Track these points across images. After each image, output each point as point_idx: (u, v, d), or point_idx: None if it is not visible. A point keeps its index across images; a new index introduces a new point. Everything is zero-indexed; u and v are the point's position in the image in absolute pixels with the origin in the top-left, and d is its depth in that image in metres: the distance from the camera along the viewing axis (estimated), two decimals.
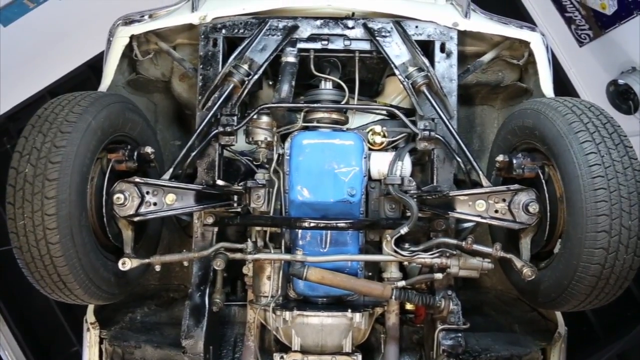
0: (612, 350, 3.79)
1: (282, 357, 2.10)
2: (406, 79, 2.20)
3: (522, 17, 4.28)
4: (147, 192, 1.98)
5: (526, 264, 1.93)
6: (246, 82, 2.20)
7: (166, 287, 2.77)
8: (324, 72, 2.36)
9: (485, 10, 2.50)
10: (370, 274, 2.27)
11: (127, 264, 1.93)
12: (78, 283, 1.84)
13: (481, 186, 2.07)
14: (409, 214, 2.06)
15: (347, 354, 2.11)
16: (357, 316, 2.08)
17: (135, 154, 2.05)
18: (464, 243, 1.99)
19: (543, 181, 1.99)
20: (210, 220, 2.17)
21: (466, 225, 2.30)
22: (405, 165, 2.21)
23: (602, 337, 3.95)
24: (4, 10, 4.22)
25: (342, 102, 2.32)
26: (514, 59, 2.51)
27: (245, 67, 2.21)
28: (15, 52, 4.22)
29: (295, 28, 2.26)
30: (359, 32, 2.28)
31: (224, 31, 2.28)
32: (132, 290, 2.30)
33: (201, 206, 2.07)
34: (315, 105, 2.28)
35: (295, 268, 2.04)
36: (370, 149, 2.26)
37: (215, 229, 2.20)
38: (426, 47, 2.28)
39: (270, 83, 2.55)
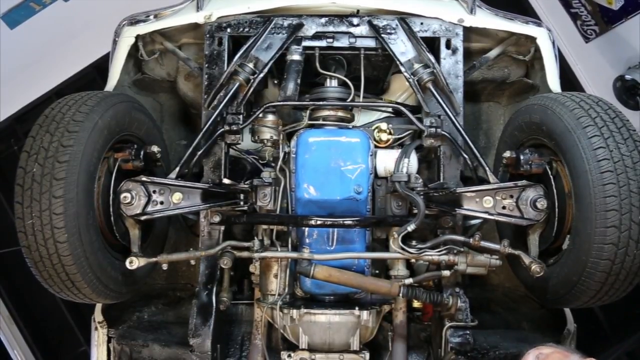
0: (620, 348, 3.76)
1: (289, 356, 2.09)
2: (412, 76, 2.19)
3: (528, 13, 4.26)
4: (154, 191, 1.99)
5: (534, 261, 1.92)
6: (252, 81, 2.20)
7: (173, 286, 2.78)
8: (329, 70, 2.35)
9: (490, 6, 2.48)
10: (377, 271, 2.27)
11: (134, 263, 1.93)
12: (86, 282, 1.84)
13: (488, 183, 2.06)
14: (415, 211, 2.05)
15: (355, 352, 2.10)
16: (365, 314, 2.07)
17: (142, 153, 2.06)
18: (471, 240, 1.98)
19: (551, 177, 1.98)
20: (216, 218, 2.17)
21: (473, 222, 2.28)
22: (412, 163, 2.21)
23: (611, 335, 3.92)
24: (11, 12, 4.26)
25: (348, 100, 2.31)
26: (520, 54, 2.49)
27: (251, 65, 2.21)
28: (22, 54, 4.26)
29: (300, 26, 2.26)
30: (364, 29, 2.27)
31: (229, 30, 2.28)
32: (139, 289, 2.30)
33: (208, 205, 2.07)
34: (320, 103, 2.28)
35: (302, 266, 2.04)
36: (376, 147, 2.25)
37: (222, 228, 2.20)
38: (432, 44, 2.28)
39: (276, 82, 2.55)
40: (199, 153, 2.16)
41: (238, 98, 2.22)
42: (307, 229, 2.16)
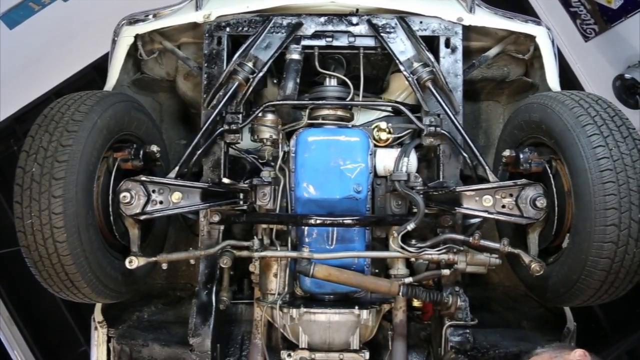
0: (620, 347, 3.76)
1: (289, 355, 2.09)
2: (411, 75, 2.19)
3: (527, 12, 4.26)
4: (153, 191, 1.99)
5: (534, 259, 1.92)
6: (251, 80, 2.20)
7: (173, 286, 2.78)
8: (329, 69, 2.35)
9: (489, 5, 2.48)
10: (377, 270, 2.27)
11: (134, 262, 1.93)
12: (85, 281, 1.84)
13: (488, 181, 2.06)
14: (415, 210, 2.05)
15: (355, 351, 2.10)
16: (365, 313, 2.07)
17: (141, 152, 2.06)
18: (471, 239, 1.98)
19: (550, 175, 1.98)
20: (216, 218, 2.16)
21: (473, 220, 2.27)
22: (411, 162, 2.21)
23: (611, 334, 3.92)
24: (10, 13, 4.26)
25: (347, 99, 2.31)
26: (519, 53, 2.49)
27: (250, 64, 2.21)
28: (21, 54, 4.26)
29: (299, 25, 2.26)
30: (363, 28, 2.27)
31: (228, 29, 2.28)
32: (139, 289, 2.30)
33: (207, 204, 2.07)
34: (320, 102, 2.28)
35: (302, 265, 2.04)
36: (375, 146, 2.25)
37: (222, 227, 2.20)
38: (431, 43, 2.28)
39: (275, 81, 2.54)
40: (199, 152, 2.16)
41: (237, 97, 2.22)
42: (306, 228, 2.16)
